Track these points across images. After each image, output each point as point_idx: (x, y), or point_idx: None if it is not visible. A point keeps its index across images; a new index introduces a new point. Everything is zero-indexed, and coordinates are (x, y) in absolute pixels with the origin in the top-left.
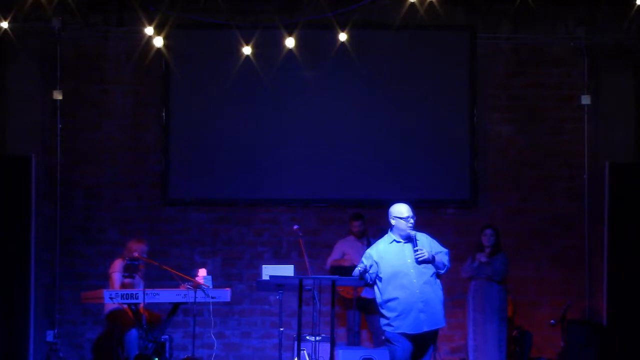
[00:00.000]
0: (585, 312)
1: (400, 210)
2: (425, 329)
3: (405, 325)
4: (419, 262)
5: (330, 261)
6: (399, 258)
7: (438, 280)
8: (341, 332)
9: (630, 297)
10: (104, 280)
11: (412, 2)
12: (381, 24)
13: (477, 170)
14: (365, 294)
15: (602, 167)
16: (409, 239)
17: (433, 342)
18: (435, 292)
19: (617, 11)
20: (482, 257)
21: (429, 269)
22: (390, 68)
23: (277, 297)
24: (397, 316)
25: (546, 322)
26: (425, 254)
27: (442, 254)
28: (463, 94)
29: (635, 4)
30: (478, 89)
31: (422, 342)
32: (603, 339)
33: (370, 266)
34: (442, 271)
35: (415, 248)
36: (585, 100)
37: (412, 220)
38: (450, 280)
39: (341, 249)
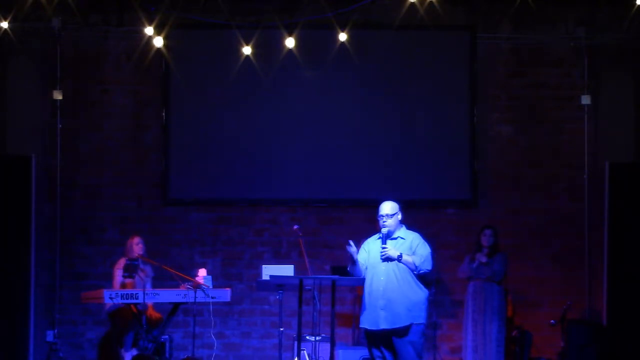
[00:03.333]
0: (585, 312)
1: (380, 208)
2: (383, 326)
3: (365, 320)
4: (382, 259)
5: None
6: (376, 254)
7: (413, 280)
8: (342, 332)
9: (630, 297)
10: (104, 280)
11: (412, 2)
12: (381, 24)
13: (477, 170)
14: None
15: (602, 167)
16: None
17: (406, 341)
18: (403, 292)
19: (617, 11)
20: (481, 258)
21: (402, 269)
22: (391, 68)
23: (277, 297)
24: (363, 310)
25: (546, 322)
26: (387, 252)
27: (417, 257)
28: (463, 94)
29: (635, 4)
30: (478, 89)
31: (388, 339)
32: (603, 339)
33: (365, 256)
34: (415, 272)
35: (382, 246)
36: (585, 100)
37: (384, 219)
38: (450, 280)
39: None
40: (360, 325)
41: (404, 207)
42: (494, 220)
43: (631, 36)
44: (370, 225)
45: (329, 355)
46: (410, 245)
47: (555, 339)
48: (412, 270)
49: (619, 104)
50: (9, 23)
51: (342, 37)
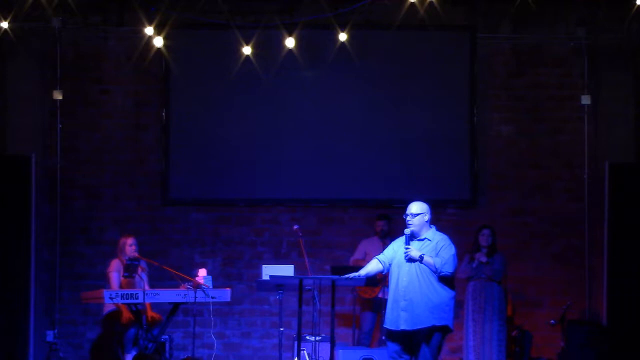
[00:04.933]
0: (585, 312)
1: (407, 207)
2: (404, 327)
3: (388, 320)
4: (405, 260)
5: (352, 261)
6: (402, 254)
7: (436, 282)
8: (342, 332)
9: (630, 297)
10: (104, 280)
11: (412, 2)
12: (381, 24)
13: (477, 170)
14: (382, 294)
15: (602, 167)
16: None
17: (425, 342)
18: (424, 293)
19: (617, 11)
20: (482, 257)
21: (425, 271)
22: (390, 68)
23: (277, 297)
24: (387, 310)
25: (546, 322)
26: (409, 252)
27: (439, 259)
28: (463, 94)
29: (635, 4)
30: (478, 89)
31: (409, 340)
32: (603, 339)
33: (392, 254)
34: (436, 274)
35: (405, 246)
36: (585, 100)
37: (409, 219)
38: None
39: (364, 249)
40: (383, 325)
41: (404, 207)
42: (493, 220)
43: (631, 36)
44: (370, 226)
45: (329, 355)
46: (435, 247)
47: (555, 339)
48: (433, 272)
49: (619, 104)
50: (9, 23)
51: (342, 37)
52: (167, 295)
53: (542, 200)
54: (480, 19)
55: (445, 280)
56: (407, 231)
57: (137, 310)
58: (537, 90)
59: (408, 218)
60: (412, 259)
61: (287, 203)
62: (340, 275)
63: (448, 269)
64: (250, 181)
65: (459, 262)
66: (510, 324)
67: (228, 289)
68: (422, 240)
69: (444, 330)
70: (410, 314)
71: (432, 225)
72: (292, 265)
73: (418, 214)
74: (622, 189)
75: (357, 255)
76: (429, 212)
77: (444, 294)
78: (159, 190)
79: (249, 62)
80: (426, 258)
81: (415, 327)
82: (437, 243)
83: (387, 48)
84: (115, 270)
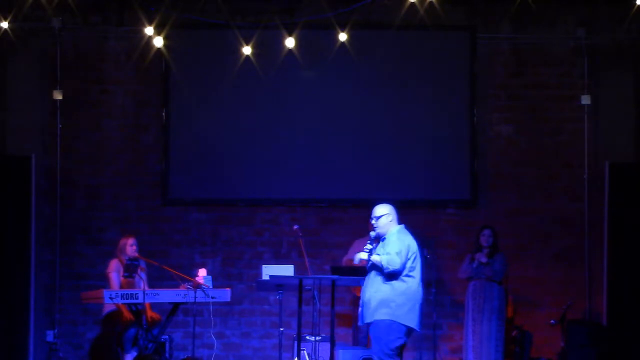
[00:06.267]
0: (585, 312)
1: None
2: (359, 323)
3: None
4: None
5: (345, 260)
6: None
7: (381, 279)
8: (342, 332)
9: (630, 297)
10: (104, 280)
11: (412, 2)
12: (381, 24)
13: (477, 170)
14: None
15: (602, 167)
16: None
17: (373, 336)
18: (370, 291)
19: (617, 11)
20: (481, 258)
21: (374, 269)
22: (391, 68)
23: (277, 297)
24: None
25: (546, 322)
26: (362, 252)
27: (384, 257)
28: (463, 94)
29: (635, 4)
30: (478, 89)
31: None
32: (603, 339)
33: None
34: (385, 271)
35: (365, 247)
36: (585, 100)
37: (373, 221)
38: (450, 280)
39: (357, 248)
40: None
41: (404, 207)
42: (493, 220)
43: (631, 36)
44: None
45: (329, 355)
46: (384, 245)
47: (555, 339)
48: (382, 270)
49: (619, 104)
50: (9, 23)
51: (342, 37)
52: (167, 295)
53: (542, 200)
54: (480, 19)
55: (394, 276)
56: (372, 234)
57: (137, 310)
58: (537, 90)
59: (373, 221)
60: (362, 259)
61: (287, 203)
62: (340, 276)
63: (392, 264)
64: (250, 181)
65: (460, 262)
66: (510, 324)
67: (228, 289)
68: (383, 240)
69: (393, 324)
70: (361, 310)
71: (401, 224)
72: (292, 265)
73: (381, 216)
74: (622, 189)
75: (350, 254)
76: (393, 213)
77: (389, 290)
78: (159, 190)
79: (249, 62)
80: (373, 257)
81: (363, 322)
82: (386, 242)
83: (387, 48)
84: (114, 271)
